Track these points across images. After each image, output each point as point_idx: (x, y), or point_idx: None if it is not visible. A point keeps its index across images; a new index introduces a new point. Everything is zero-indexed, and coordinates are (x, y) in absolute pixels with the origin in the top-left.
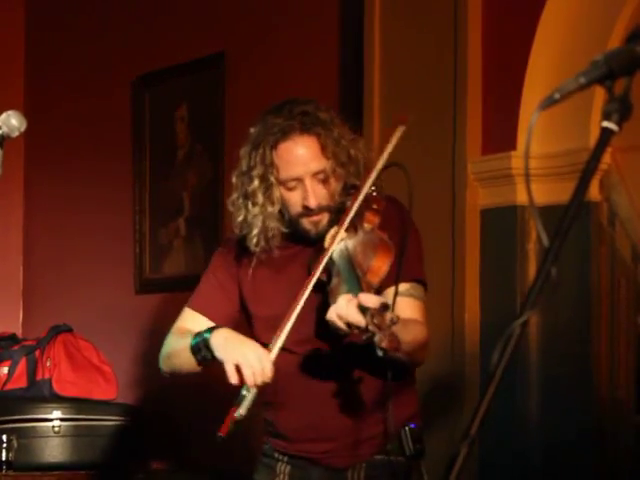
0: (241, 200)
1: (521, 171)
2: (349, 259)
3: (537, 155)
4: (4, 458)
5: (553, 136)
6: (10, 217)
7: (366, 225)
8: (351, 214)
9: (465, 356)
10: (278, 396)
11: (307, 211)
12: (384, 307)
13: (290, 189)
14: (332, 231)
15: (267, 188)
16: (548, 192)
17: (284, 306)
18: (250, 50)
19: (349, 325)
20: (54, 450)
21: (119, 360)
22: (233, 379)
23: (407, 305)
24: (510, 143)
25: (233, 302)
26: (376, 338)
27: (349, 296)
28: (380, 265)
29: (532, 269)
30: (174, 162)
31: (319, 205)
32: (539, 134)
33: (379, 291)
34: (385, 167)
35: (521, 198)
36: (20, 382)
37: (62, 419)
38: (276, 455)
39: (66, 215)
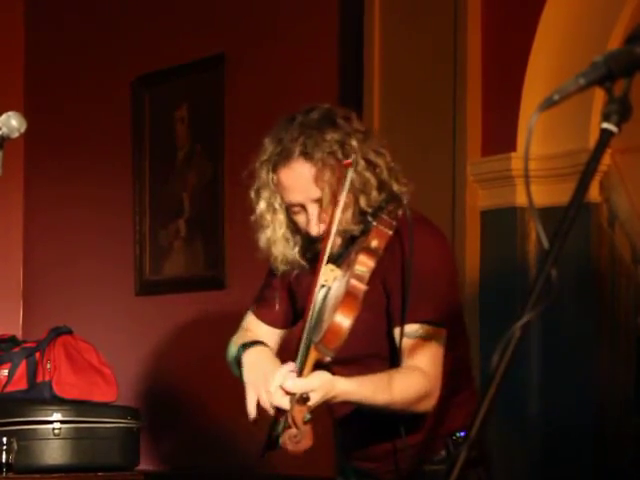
0: (259, 220)
1: (521, 172)
2: (320, 311)
3: (537, 156)
4: (4, 460)
5: (553, 137)
6: (10, 218)
7: (356, 267)
8: (326, 249)
9: None
10: (331, 411)
11: (314, 240)
12: (303, 399)
13: (295, 213)
14: (320, 267)
15: (274, 213)
16: (548, 193)
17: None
18: (250, 51)
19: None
20: (54, 452)
21: (119, 362)
22: (248, 410)
23: (413, 348)
24: (510, 144)
25: (288, 304)
26: (282, 437)
27: (284, 374)
28: (341, 321)
29: (532, 271)
30: (174, 163)
31: (320, 230)
32: (539, 135)
33: (389, 323)
34: (390, 199)
35: (521, 199)
36: (20, 384)
37: (62, 421)
38: (345, 461)
39: (66, 216)
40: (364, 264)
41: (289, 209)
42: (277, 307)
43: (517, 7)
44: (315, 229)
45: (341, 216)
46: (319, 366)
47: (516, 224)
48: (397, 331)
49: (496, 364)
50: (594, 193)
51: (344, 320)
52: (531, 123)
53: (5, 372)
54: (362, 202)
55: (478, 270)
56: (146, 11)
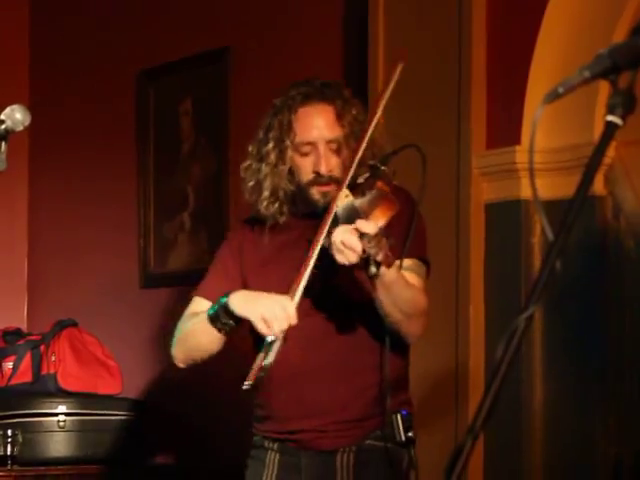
0: (254, 164)
1: (525, 165)
2: (353, 210)
3: (541, 149)
4: (9, 453)
5: (557, 130)
6: (15, 211)
7: (375, 190)
8: (353, 166)
9: (469, 350)
10: (272, 372)
11: (318, 178)
12: (381, 231)
13: (303, 154)
14: (336, 192)
15: (281, 150)
16: (552, 186)
17: (283, 286)
18: (255, 44)
19: (348, 250)
20: (59, 445)
21: (124, 355)
22: (262, 329)
23: (410, 279)
24: (514, 137)
25: (238, 285)
26: (372, 251)
27: (347, 226)
28: (382, 214)
29: (536, 263)
30: (178, 156)
31: (330, 172)
32: (543, 128)
33: None
34: (402, 148)
35: (525, 192)
36: (25, 377)
37: (67, 414)
38: (266, 444)
39: (71, 209)
40: (383, 188)
41: (297, 151)
42: (226, 284)
43: (522, 1)
44: (325, 166)
45: (347, 158)
46: None
47: (521, 217)
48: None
49: (500, 356)
50: (599, 186)
51: (385, 214)
52: (536, 116)
53: (10, 365)
54: (371, 154)
55: (483, 263)
56: (150, 4)
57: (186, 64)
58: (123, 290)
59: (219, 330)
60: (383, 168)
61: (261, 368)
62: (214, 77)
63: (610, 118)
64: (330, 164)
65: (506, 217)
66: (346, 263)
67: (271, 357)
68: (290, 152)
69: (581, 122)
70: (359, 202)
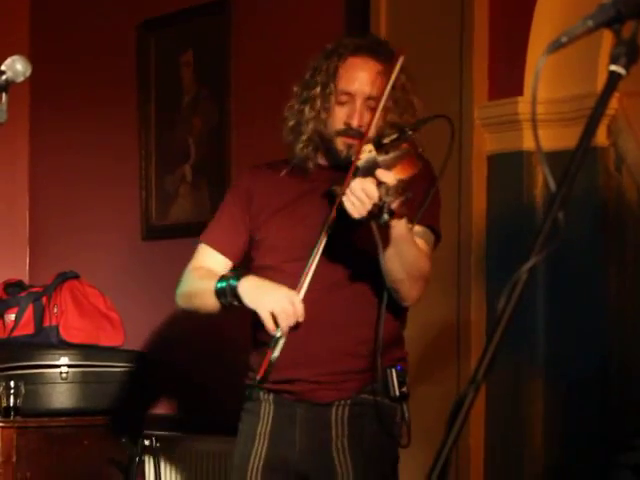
0: (297, 105)
1: (528, 116)
2: (374, 165)
3: (544, 100)
4: (12, 404)
5: (560, 81)
6: (15, 164)
7: (398, 150)
8: (373, 122)
9: (471, 302)
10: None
11: (347, 129)
12: (400, 183)
13: (340, 103)
14: (358, 147)
15: (326, 96)
16: (555, 137)
17: (295, 233)
18: None
19: (364, 198)
20: (61, 396)
21: (125, 307)
22: (270, 326)
23: (417, 242)
24: (517, 88)
25: (245, 233)
26: (388, 199)
27: (365, 179)
28: (401, 170)
29: (539, 215)
30: (180, 108)
31: (360, 127)
32: (546, 79)
33: None
34: (431, 118)
35: (528, 144)
36: (27, 329)
37: (69, 365)
38: (260, 395)
39: (72, 161)
40: (407, 147)
41: (336, 96)
42: (235, 235)
43: None
44: (357, 119)
45: (381, 122)
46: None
47: (523, 168)
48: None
49: (502, 307)
50: (601, 137)
51: (407, 170)
52: (539, 66)
53: (12, 317)
54: (402, 118)
55: (485, 214)
56: None
57: (187, 15)
58: (125, 242)
59: (222, 304)
60: (410, 133)
61: (269, 363)
62: (215, 28)
63: (613, 68)
64: (363, 119)
65: (508, 168)
66: (357, 216)
67: (277, 352)
68: (333, 97)
69: (584, 73)
70: (382, 158)
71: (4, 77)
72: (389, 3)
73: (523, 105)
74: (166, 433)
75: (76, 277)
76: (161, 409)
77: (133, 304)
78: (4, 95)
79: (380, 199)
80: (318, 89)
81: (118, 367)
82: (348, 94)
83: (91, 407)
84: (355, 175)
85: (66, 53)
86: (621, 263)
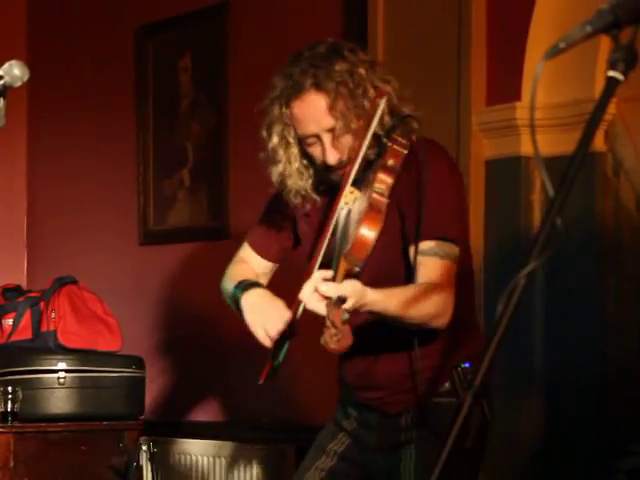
0: (269, 159)
1: (526, 121)
2: (345, 227)
3: (542, 105)
4: (9, 409)
5: (558, 86)
6: (14, 168)
7: (376, 185)
8: (351, 177)
9: None
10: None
11: (330, 168)
12: (339, 301)
13: (310, 145)
14: (342, 190)
15: (287, 146)
16: (553, 143)
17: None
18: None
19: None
20: (59, 401)
21: (123, 311)
22: (266, 343)
23: (428, 265)
24: (515, 93)
25: (287, 240)
26: (323, 337)
27: (313, 284)
28: (366, 234)
29: (537, 220)
30: (177, 112)
31: (339, 160)
32: (544, 84)
33: (404, 242)
34: (400, 119)
35: (526, 149)
36: (25, 334)
37: (67, 370)
38: (348, 399)
39: (70, 166)
40: (383, 182)
41: (303, 142)
42: (274, 240)
43: None
44: (332, 157)
45: (357, 141)
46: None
47: (521, 173)
48: (412, 249)
49: (501, 312)
50: (599, 142)
51: (369, 232)
52: (537, 71)
53: (10, 321)
54: (376, 127)
55: (483, 219)
56: None
57: (185, 20)
58: (122, 247)
59: (231, 308)
60: (388, 143)
61: (271, 368)
62: (213, 33)
63: (611, 74)
64: (337, 151)
65: (506, 173)
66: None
67: (281, 357)
68: (294, 147)
69: (582, 78)
70: (354, 211)
71: (2, 82)
72: (387, 9)
73: (521, 110)
74: (164, 438)
75: (74, 282)
76: (159, 414)
77: (131, 309)
78: (2, 100)
79: (329, 321)
80: (275, 140)
81: (116, 372)
82: (311, 136)
83: (89, 412)
84: (335, 230)
85: (64, 57)
86: (619, 268)
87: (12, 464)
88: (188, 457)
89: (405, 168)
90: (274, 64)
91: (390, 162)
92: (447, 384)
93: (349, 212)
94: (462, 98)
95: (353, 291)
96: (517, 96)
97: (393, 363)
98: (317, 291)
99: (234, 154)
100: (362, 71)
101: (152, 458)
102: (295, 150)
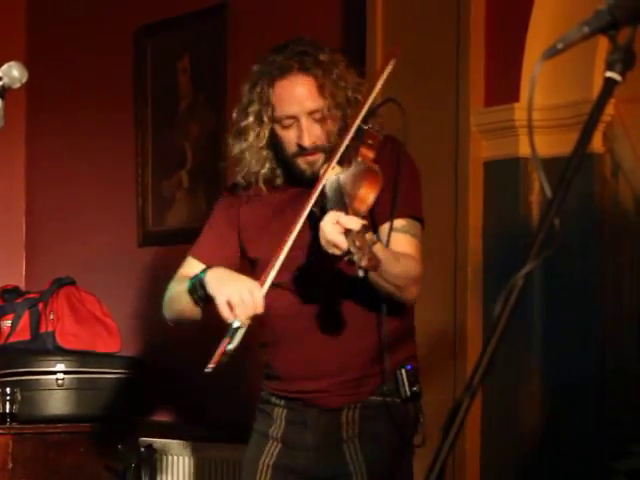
0: (235, 135)
1: (524, 122)
2: (339, 190)
3: (540, 106)
4: (8, 410)
5: (556, 88)
6: (12, 169)
7: (359, 159)
8: (342, 147)
9: (467, 308)
10: (274, 335)
11: (301, 150)
12: (364, 228)
13: (286, 127)
14: (325, 166)
15: (259, 126)
16: (551, 144)
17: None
18: (252, 1)
19: (335, 247)
20: (58, 403)
21: (122, 312)
22: (225, 313)
23: (402, 241)
24: (513, 94)
25: (232, 248)
26: (355, 257)
27: (333, 218)
28: (367, 193)
29: (535, 221)
30: (176, 113)
31: (314, 144)
32: (542, 86)
33: (372, 224)
34: (381, 104)
35: (524, 150)
36: (23, 335)
37: (65, 372)
38: (273, 400)
39: (68, 167)
40: (366, 155)
41: (279, 123)
42: (217, 247)
43: None
44: (308, 139)
45: (332, 129)
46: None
47: (519, 175)
48: (384, 227)
49: (499, 313)
50: (597, 143)
51: (370, 190)
52: (535, 72)
53: (8, 323)
54: (349, 119)
55: (481, 221)
56: None
57: (184, 21)
58: (121, 248)
59: (195, 303)
60: (366, 127)
61: (224, 353)
62: (212, 34)
63: (609, 74)
64: (313, 136)
65: (505, 175)
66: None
67: (235, 342)
68: (267, 127)
69: (580, 79)
70: (343, 178)
71: (0, 83)
72: (385, 11)
73: (519, 111)
74: (162, 440)
75: (72, 283)
76: (157, 416)
77: (129, 310)
78: (1, 101)
79: (348, 250)
80: (251, 119)
81: (114, 373)
82: (290, 117)
83: (87, 414)
84: (322, 200)
85: (63, 58)
86: (617, 269)
87: (10, 465)
88: (187, 459)
89: (379, 153)
90: None
91: (370, 141)
92: (391, 383)
93: (337, 181)
94: (461, 99)
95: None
96: (515, 97)
97: (349, 345)
98: (338, 223)
99: (233, 155)
100: (342, 67)
101: (150, 460)
102: (265, 131)
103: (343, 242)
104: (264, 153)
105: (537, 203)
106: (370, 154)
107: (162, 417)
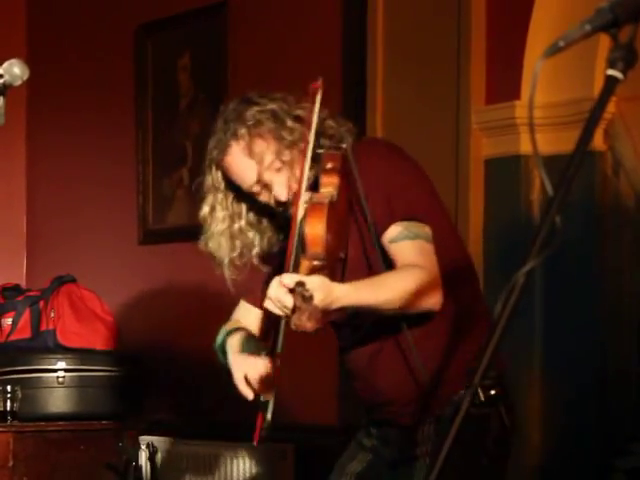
0: (211, 233)
1: (525, 120)
2: (299, 235)
3: (541, 104)
4: (9, 408)
5: (557, 85)
6: (13, 167)
7: (322, 190)
8: (303, 183)
9: None
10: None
11: (284, 206)
12: (298, 285)
13: (258, 194)
14: (293, 208)
15: (231, 207)
16: (552, 141)
17: None
18: None
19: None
20: (58, 400)
21: (122, 310)
22: (242, 391)
23: (403, 250)
24: (514, 92)
25: None
26: (292, 320)
27: (278, 281)
28: (312, 231)
29: (536, 219)
30: (177, 111)
31: (288, 194)
32: (543, 83)
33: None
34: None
35: (525, 148)
36: (24, 333)
37: (66, 370)
38: (369, 417)
39: (69, 165)
40: (327, 184)
41: (251, 196)
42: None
43: None
44: (282, 193)
45: (298, 165)
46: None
47: (520, 172)
48: (385, 240)
49: (500, 311)
50: (598, 141)
51: (313, 226)
52: (536, 70)
53: (9, 321)
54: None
55: (482, 219)
56: None
57: (184, 19)
58: (122, 246)
59: (221, 361)
60: (321, 151)
61: (262, 427)
62: (212, 32)
63: (611, 72)
64: (284, 189)
65: (506, 172)
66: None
67: (269, 414)
68: (239, 205)
69: (581, 77)
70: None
71: (1, 81)
72: (386, 9)
73: (520, 109)
74: (163, 437)
75: (73, 281)
76: (158, 413)
77: (130, 308)
78: (2, 99)
79: (295, 306)
80: (218, 208)
81: (115, 371)
82: (254, 185)
83: (88, 411)
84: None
85: (63, 56)
86: (618, 267)
87: (11, 463)
88: (187, 456)
89: (346, 175)
90: (273, 63)
91: (328, 165)
92: (462, 392)
93: (299, 226)
94: (461, 97)
95: (319, 284)
96: (516, 95)
97: (391, 371)
98: (280, 284)
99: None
100: (274, 106)
101: (151, 457)
102: (241, 209)
103: (289, 301)
104: (253, 222)
105: (538, 201)
106: (333, 179)
107: (162, 415)
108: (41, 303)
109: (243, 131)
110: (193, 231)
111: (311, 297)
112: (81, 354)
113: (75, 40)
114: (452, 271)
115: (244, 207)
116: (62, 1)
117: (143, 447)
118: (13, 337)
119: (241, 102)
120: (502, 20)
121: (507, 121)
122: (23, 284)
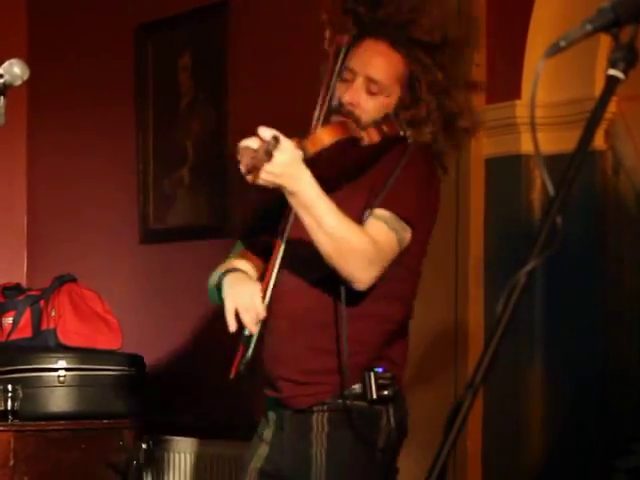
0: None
1: (526, 120)
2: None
3: (542, 104)
4: (9, 408)
5: (558, 85)
6: (14, 166)
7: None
8: (319, 115)
9: (469, 305)
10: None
11: (339, 106)
12: (273, 138)
13: (343, 80)
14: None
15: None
16: (553, 141)
17: None
18: None
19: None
20: (59, 400)
21: (123, 310)
22: (228, 322)
23: (374, 225)
24: (515, 92)
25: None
26: (242, 159)
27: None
28: (322, 134)
29: (537, 218)
30: (177, 111)
31: (351, 101)
32: (544, 83)
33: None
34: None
35: (526, 147)
36: (25, 332)
37: (67, 369)
38: (267, 401)
39: (70, 164)
40: (370, 137)
41: (340, 74)
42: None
43: None
44: (349, 97)
45: (377, 109)
46: None
47: (521, 172)
48: (366, 212)
49: (501, 311)
50: (599, 141)
51: (325, 135)
52: (537, 70)
53: (10, 320)
54: (403, 111)
55: (483, 218)
56: None
57: (185, 18)
58: (122, 246)
59: (214, 300)
60: (390, 114)
61: (240, 361)
62: (213, 32)
63: (612, 72)
64: (356, 97)
65: (506, 172)
66: (244, 171)
67: (249, 351)
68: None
69: (582, 76)
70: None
71: (2, 81)
72: None
73: (521, 109)
74: (164, 437)
75: (74, 280)
76: (159, 412)
77: (131, 307)
78: (2, 98)
79: (254, 151)
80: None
81: (116, 370)
82: (351, 71)
83: (89, 411)
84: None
85: (64, 56)
86: (619, 266)
87: (12, 463)
88: (188, 456)
89: (389, 151)
90: (274, 63)
91: (384, 127)
92: (357, 386)
93: None
94: None
95: (291, 151)
96: (517, 94)
97: (307, 337)
98: (258, 131)
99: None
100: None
101: (152, 456)
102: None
103: (252, 143)
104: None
105: (539, 200)
106: (374, 136)
107: (163, 414)
108: (42, 302)
109: (405, 53)
110: (194, 230)
111: (271, 154)
112: (82, 353)
113: (75, 40)
114: (401, 285)
115: None
116: (62, 1)
117: (144, 446)
118: (14, 336)
119: (431, 29)
120: (502, 19)
121: (508, 120)
122: (24, 283)
